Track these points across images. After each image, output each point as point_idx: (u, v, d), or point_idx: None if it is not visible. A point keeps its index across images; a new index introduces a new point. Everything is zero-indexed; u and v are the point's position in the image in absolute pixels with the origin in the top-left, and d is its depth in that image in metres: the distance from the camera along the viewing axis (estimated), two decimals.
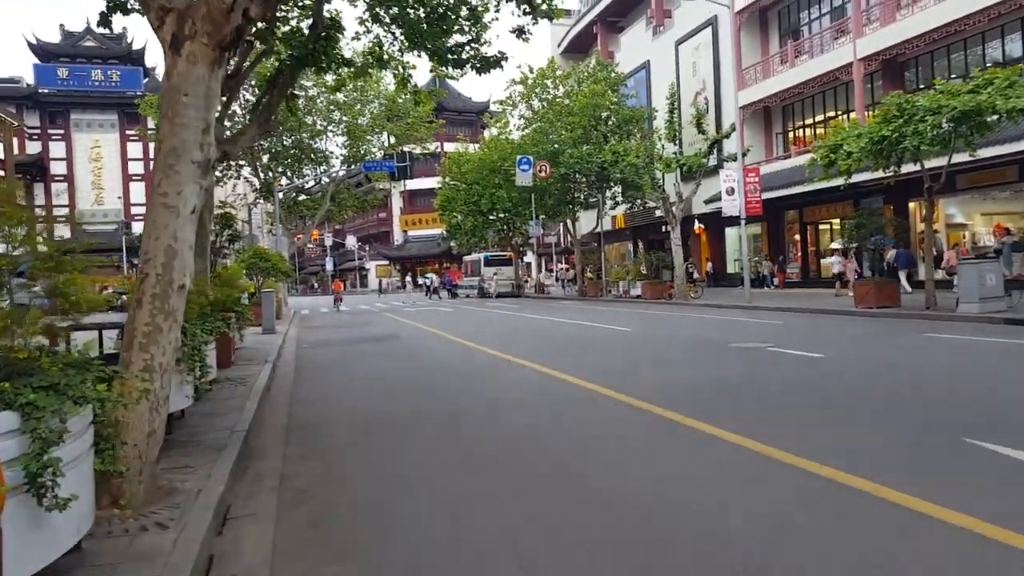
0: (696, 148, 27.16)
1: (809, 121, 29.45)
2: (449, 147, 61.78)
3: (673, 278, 26.67)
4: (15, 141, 49.78)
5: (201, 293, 8.10)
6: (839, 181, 17.71)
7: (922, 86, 23.49)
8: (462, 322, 20.61)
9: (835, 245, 18.81)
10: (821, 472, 4.35)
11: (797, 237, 30.51)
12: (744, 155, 25.39)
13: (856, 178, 18.66)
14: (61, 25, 51.31)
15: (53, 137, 51.46)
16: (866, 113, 24.16)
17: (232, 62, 5.43)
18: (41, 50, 49.94)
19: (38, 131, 51.01)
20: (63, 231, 50.37)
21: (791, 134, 30.56)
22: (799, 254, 30.18)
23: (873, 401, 6.64)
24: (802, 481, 4.25)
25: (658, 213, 37.11)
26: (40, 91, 49.69)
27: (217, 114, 10.69)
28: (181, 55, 4.23)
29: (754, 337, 12.05)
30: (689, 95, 32.85)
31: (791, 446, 4.90)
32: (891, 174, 17.19)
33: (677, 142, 26.09)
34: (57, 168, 50.91)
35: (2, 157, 12.49)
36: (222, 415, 6.92)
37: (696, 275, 26.80)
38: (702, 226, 34.85)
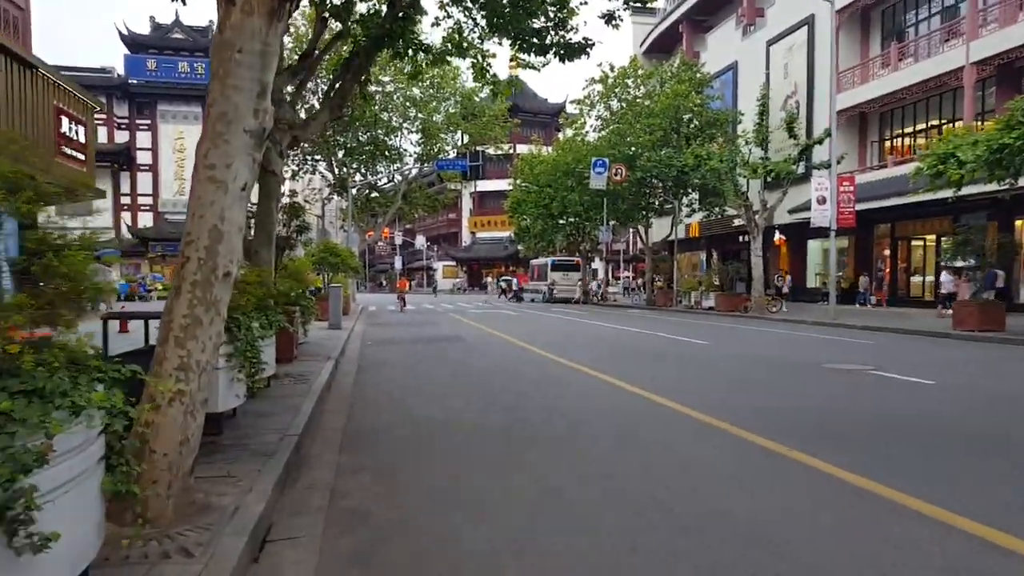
0: (784, 154, 25.71)
1: (909, 129, 27.48)
2: (522, 149, 61.45)
3: (750, 290, 25.27)
4: (104, 130, 52.04)
5: (263, 284, 7.70)
6: (946, 193, 16.30)
7: None
8: (527, 327, 19.94)
9: (953, 263, 17.22)
10: (969, 528, 3.46)
11: (887, 253, 28.53)
12: (839, 162, 23.84)
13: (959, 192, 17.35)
14: (151, 17, 52.99)
15: (140, 127, 53.26)
16: (975, 122, 22.29)
17: (296, 28, 4.85)
18: (132, 41, 51.70)
19: (126, 121, 52.86)
20: (147, 219, 52.66)
21: (887, 143, 28.60)
22: (888, 271, 28.18)
23: (1005, 439, 5.60)
24: (948, 541, 3.37)
25: (737, 222, 35.62)
26: (130, 82, 51.46)
27: (289, 97, 10.34)
28: (235, 4, 3.69)
29: (849, 359, 10.90)
30: (779, 98, 31.28)
31: (923, 491, 4.02)
32: (1006, 187, 15.61)
33: (764, 147, 24.65)
34: (143, 158, 52.70)
35: (84, 142, 12.55)
36: (276, 415, 6.45)
37: (785, 288, 25.09)
38: (783, 237, 33.13)
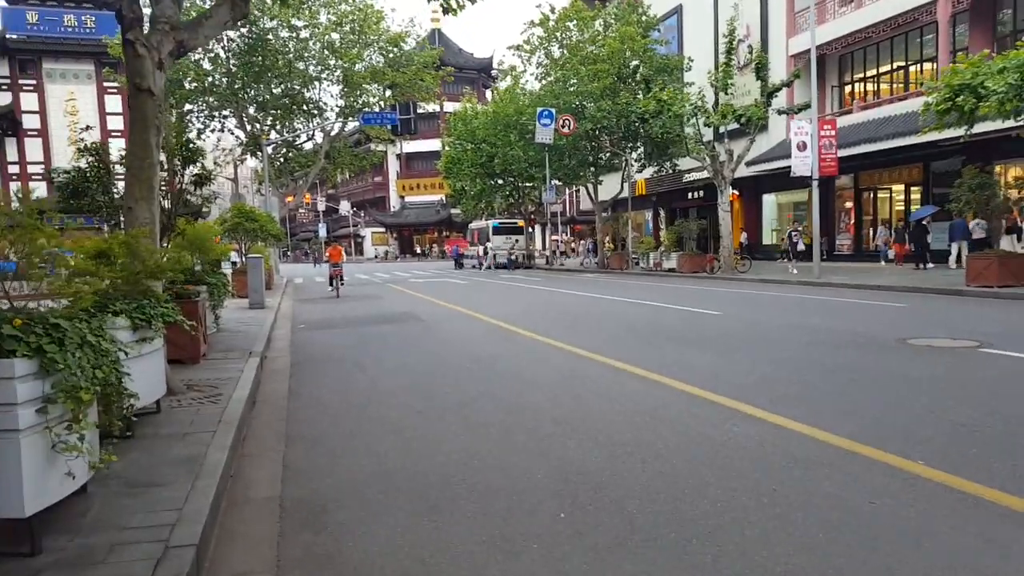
0: (741, 101, 23.76)
1: (872, 72, 25.96)
2: (449, 107, 58.01)
3: (719, 248, 23.46)
4: None
5: (135, 255, 4.84)
6: (955, 132, 14.77)
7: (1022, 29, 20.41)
8: (487, 298, 17.40)
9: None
10: None
11: (849, 205, 27.27)
12: (802, 109, 22.08)
13: (931, 136, 16.48)
14: None
15: (25, 88, 47.20)
16: (952, 60, 20.86)
17: None
18: None
19: (8, 81, 46.70)
20: (41, 190, 46.70)
21: (848, 88, 27.09)
22: (852, 224, 26.95)
23: None
24: None
25: (687, 178, 33.89)
26: (8, 36, 45.31)
27: None
28: None
29: (919, 330, 8.84)
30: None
31: None
32: (1020, 124, 14.05)
33: (729, 92, 22.55)
34: (30, 122, 46.74)
35: None
36: (160, 486, 3.69)
37: (800, 246, 22.80)
38: (735, 192, 31.60)
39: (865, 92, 26.25)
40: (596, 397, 5.82)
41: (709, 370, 6.69)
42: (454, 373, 7.22)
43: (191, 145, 7.32)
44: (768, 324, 10.07)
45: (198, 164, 7.28)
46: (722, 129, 23.06)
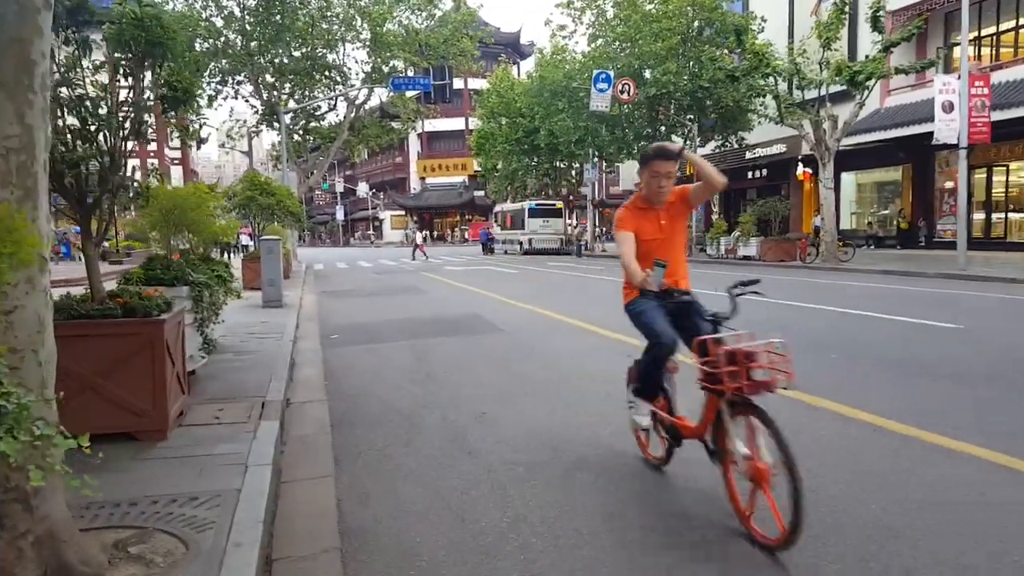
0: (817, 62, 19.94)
1: (989, 30, 22.09)
2: (474, 84, 54.40)
3: (819, 234, 19.94)
4: None
5: None
6: None
7: None
8: (559, 293, 13.99)
9: None
10: None
11: (949, 184, 23.51)
12: (926, 67, 18.42)
13: None
14: None
15: None
16: None
17: None
18: None
19: None
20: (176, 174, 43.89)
21: (956, 49, 23.25)
22: (956, 206, 23.21)
23: None
24: None
25: (750, 155, 30.39)
26: None
27: None
28: None
29: None
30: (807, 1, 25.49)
31: None
32: None
33: (833, 47, 18.84)
34: None
35: None
36: None
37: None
38: (808, 170, 27.99)
39: (979, 54, 22.43)
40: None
41: None
42: (649, 474, 3.80)
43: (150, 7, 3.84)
44: None
45: (160, 43, 3.81)
46: (822, 91, 19.40)
